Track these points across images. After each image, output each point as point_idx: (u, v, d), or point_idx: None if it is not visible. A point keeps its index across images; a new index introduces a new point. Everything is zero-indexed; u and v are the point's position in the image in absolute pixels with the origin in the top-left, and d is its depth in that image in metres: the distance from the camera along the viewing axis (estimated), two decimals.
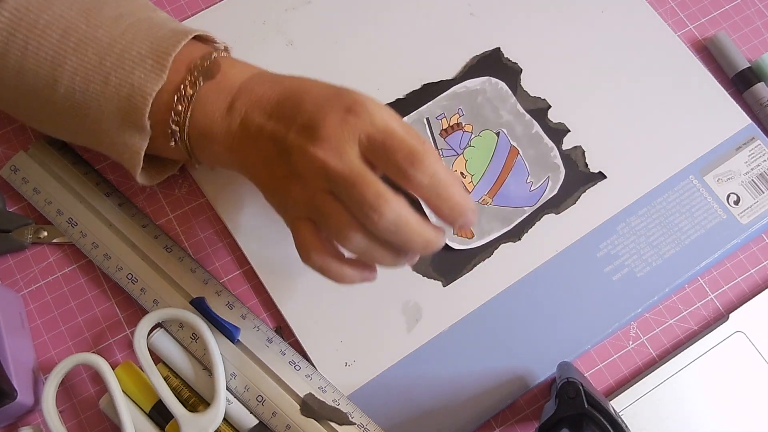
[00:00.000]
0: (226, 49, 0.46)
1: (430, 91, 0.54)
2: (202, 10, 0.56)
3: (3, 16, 0.43)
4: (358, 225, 0.38)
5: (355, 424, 0.45)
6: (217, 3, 0.56)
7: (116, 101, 0.43)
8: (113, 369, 0.45)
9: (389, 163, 0.37)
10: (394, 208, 0.36)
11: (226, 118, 0.42)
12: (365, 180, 0.37)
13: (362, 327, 0.48)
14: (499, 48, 0.55)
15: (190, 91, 0.42)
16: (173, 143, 0.44)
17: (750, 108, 0.55)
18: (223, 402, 0.44)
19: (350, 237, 0.38)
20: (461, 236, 0.50)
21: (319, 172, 0.38)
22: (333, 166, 0.37)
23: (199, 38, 0.45)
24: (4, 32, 0.43)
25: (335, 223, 0.38)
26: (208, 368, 0.46)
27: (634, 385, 0.47)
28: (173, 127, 0.43)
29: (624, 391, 0.47)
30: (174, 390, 0.46)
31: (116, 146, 0.44)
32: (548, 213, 0.51)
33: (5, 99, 0.46)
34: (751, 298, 0.49)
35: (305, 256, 0.40)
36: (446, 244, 0.50)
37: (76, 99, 0.43)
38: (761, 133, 0.53)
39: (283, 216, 0.42)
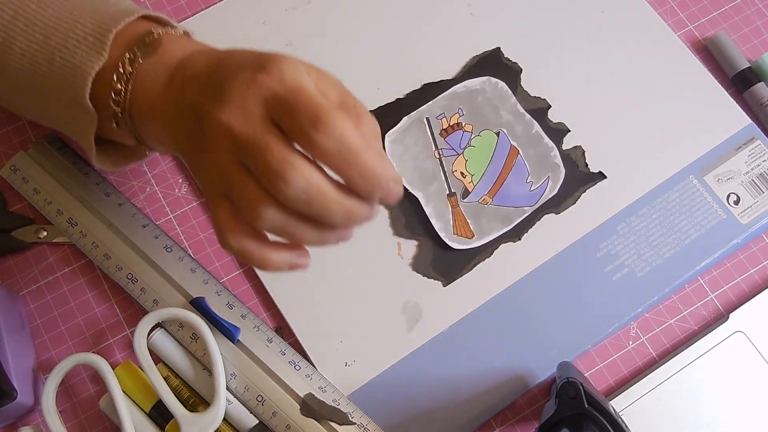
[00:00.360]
0: (186, 35, 0.43)
1: (430, 90, 0.54)
2: (202, 10, 0.56)
3: None
4: (269, 198, 0.33)
5: (355, 424, 0.45)
6: (217, 3, 0.56)
7: (60, 82, 0.41)
8: (113, 369, 0.45)
9: (293, 125, 0.33)
10: (304, 175, 0.32)
11: (164, 96, 0.39)
12: (269, 144, 0.33)
13: (362, 327, 0.48)
14: (499, 48, 0.55)
15: (129, 69, 0.40)
16: (115, 125, 0.41)
17: (750, 108, 0.55)
18: (223, 402, 0.44)
19: (261, 212, 0.33)
20: (461, 236, 0.50)
21: (224, 137, 0.34)
22: (237, 129, 0.33)
23: (156, 21, 0.43)
24: None
25: (245, 197, 0.34)
26: (208, 368, 0.46)
27: (634, 385, 0.47)
28: (114, 107, 0.40)
29: (624, 391, 0.47)
30: (174, 390, 0.46)
31: (70, 127, 0.43)
32: (548, 213, 0.51)
33: None
34: (751, 298, 0.49)
35: (221, 240, 0.35)
36: (446, 244, 0.50)
37: (25, 80, 0.42)
38: (761, 133, 0.53)
39: (205, 194, 0.38)
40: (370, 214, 0.35)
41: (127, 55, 0.40)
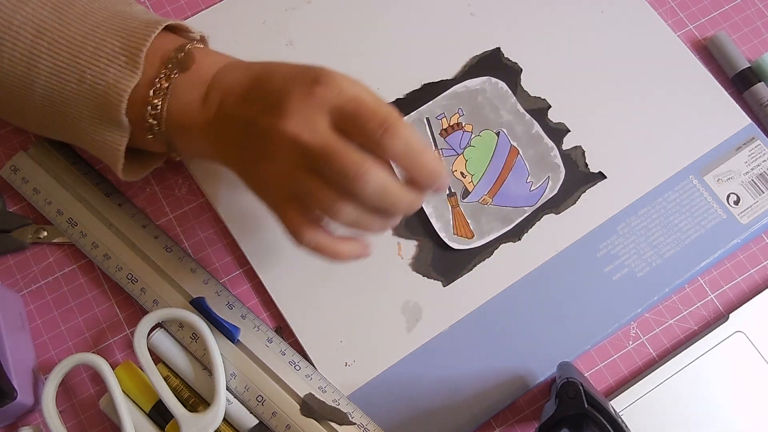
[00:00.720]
0: (202, 39, 0.46)
1: (430, 90, 0.54)
2: (202, 10, 0.56)
3: None
4: (345, 196, 0.37)
5: (355, 424, 0.45)
6: (217, 3, 0.56)
7: (93, 99, 0.42)
8: (113, 369, 0.45)
9: (363, 131, 0.37)
10: (378, 174, 0.36)
11: (202, 109, 0.42)
12: (342, 150, 0.36)
13: (362, 327, 0.48)
14: (499, 48, 0.55)
15: (165, 84, 0.42)
16: (151, 137, 0.43)
17: (750, 108, 0.55)
18: (223, 402, 0.44)
19: (341, 210, 0.37)
20: (461, 236, 0.50)
21: (292, 147, 0.37)
22: (305, 139, 0.37)
23: (174, 29, 0.45)
24: None
25: (323, 199, 0.37)
26: (208, 368, 0.46)
27: (634, 385, 0.47)
28: (151, 120, 0.42)
29: (624, 391, 0.47)
30: (174, 390, 0.46)
31: (97, 143, 0.44)
32: (548, 213, 0.51)
33: None
34: (751, 298, 0.49)
35: (298, 238, 0.39)
36: (446, 244, 0.50)
37: (54, 98, 0.43)
38: (761, 133, 0.53)
39: (266, 201, 0.41)
40: (422, 202, 0.40)
41: (164, 71, 0.42)
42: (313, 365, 0.47)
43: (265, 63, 0.42)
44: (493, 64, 0.55)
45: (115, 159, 0.44)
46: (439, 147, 0.52)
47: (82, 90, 0.42)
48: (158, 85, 0.42)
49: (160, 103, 0.42)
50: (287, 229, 0.40)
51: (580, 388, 0.40)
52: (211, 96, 0.42)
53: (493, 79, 0.54)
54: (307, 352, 0.48)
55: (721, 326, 0.48)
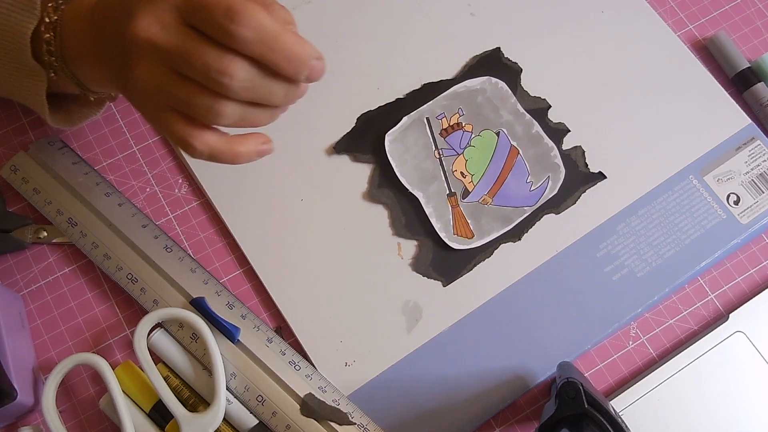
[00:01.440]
0: None
1: (430, 90, 0.54)
2: None
3: None
4: (220, 96, 0.35)
5: (355, 424, 0.45)
6: None
7: (4, 48, 0.42)
8: (113, 369, 0.45)
9: (210, 24, 0.33)
10: (242, 66, 0.34)
11: (89, 34, 0.40)
12: (197, 47, 0.34)
13: (362, 327, 0.48)
14: (499, 48, 0.55)
15: (54, 17, 0.41)
16: (53, 74, 0.42)
17: (750, 108, 0.55)
18: (223, 402, 0.44)
19: (220, 110, 0.35)
20: (461, 236, 0.50)
21: (150, 52, 0.35)
22: (158, 40, 0.34)
23: None
24: None
25: (198, 102, 0.35)
26: (208, 368, 0.46)
27: (634, 385, 0.47)
28: (48, 57, 0.41)
29: (624, 391, 0.47)
30: (174, 390, 0.46)
31: (21, 92, 0.44)
32: (548, 213, 0.51)
33: None
34: (751, 298, 0.49)
35: (188, 149, 0.36)
36: (446, 244, 0.50)
37: None
38: (761, 133, 0.53)
39: (147, 117, 0.38)
40: (302, 90, 0.37)
41: (51, 3, 0.41)
42: (313, 365, 0.47)
43: None
44: (493, 64, 0.55)
45: (38, 104, 0.43)
46: (439, 147, 0.52)
47: None
48: (47, 19, 0.41)
49: (51, 37, 0.41)
50: (176, 142, 0.37)
51: (580, 388, 0.40)
52: (95, 20, 0.39)
53: (493, 79, 0.54)
54: (307, 352, 0.48)
55: (721, 326, 0.48)
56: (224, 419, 0.45)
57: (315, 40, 0.55)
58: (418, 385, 0.47)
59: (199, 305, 0.47)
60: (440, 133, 0.53)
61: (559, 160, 0.52)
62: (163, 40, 0.34)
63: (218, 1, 0.33)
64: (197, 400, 0.46)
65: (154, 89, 0.36)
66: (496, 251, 0.50)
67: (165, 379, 0.46)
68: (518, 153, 0.52)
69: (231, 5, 0.33)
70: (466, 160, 0.52)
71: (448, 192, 0.51)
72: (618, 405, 0.47)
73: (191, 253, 0.50)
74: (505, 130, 0.53)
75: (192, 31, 0.34)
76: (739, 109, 0.54)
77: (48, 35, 0.41)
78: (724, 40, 0.56)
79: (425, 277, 0.49)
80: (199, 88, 0.35)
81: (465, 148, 0.52)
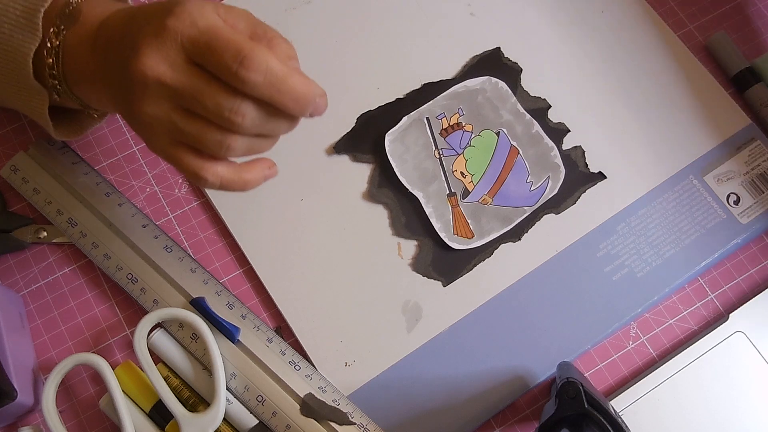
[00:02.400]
0: None
1: (430, 90, 0.54)
2: None
3: None
4: (229, 132, 0.36)
5: (355, 424, 0.45)
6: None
7: (6, 67, 0.42)
8: (113, 369, 0.45)
9: (219, 66, 0.34)
10: (252, 107, 0.35)
11: (93, 61, 0.40)
12: (207, 87, 0.34)
13: (362, 327, 0.48)
14: (499, 48, 0.55)
15: (56, 42, 0.41)
16: (57, 96, 0.42)
17: (750, 108, 0.55)
18: (223, 402, 0.44)
19: (231, 147, 0.36)
20: (461, 236, 0.50)
21: (157, 89, 0.35)
22: (167, 80, 0.35)
23: None
24: None
25: (208, 139, 0.36)
26: (208, 368, 0.46)
27: (634, 385, 0.47)
28: (51, 81, 0.42)
29: (624, 391, 0.47)
30: (174, 390, 0.46)
31: (25, 108, 0.44)
32: (548, 213, 0.51)
33: None
34: (751, 298, 0.49)
35: (200, 181, 0.37)
36: (446, 244, 0.50)
37: None
38: (761, 133, 0.53)
39: (155, 151, 0.39)
40: (322, 101, 0.37)
41: (52, 29, 0.41)
42: (313, 365, 0.47)
43: (140, 6, 0.39)
44: (493, 64, 0.55)
45: (42, 121, 0.44)
46: (439, 147, 0.52)
47: None
48: (49, 44, 0.41)
49: (54, 62, 0.41)
50: (187, 175, 0.38)
51: (580, 388, 0.40)
52: (98, 46, 0.39)
53: (493, 79, 0.54)
54: (307, 352, 0.48)
55: (721, 326, 0.48)
56: (224, 419, 0.45)
57: (315, 40, 0.55)
58: (418, 385, 0.47)
59: (199, 305, 0.47)
60: (440, 133, 0.53)
61: (559, 160, 0.52)
62: (171, 80, 0.35)
63: (226, 45, 0.34)
64: (197, 400, 0.46)
65: (162, 125, 0.36)
66: (496, 251, 0.50)
67: (165, 379, 0.46)
68: (518, 153, 0.52)
69: (240, 50, 0.34)
70: (466, 160, 0.52)
71: (448, 192, 0.51)
72: (618, 405, 0.47)
73: (191, 253, 0.50)
74: (505, 130, 0.53)
75: (200, 71, 0.35)
76: (739, 109, 0.54)
77: (50, 60, 0.41)
78: (724, 40, 0.56)
79: (425, 277, 0.49)
80: (208, 124, 0.36)
81: (465, 148, 0.52)
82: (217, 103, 0.34)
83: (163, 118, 0.36)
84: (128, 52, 0.36)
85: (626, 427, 0.40)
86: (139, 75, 0.35)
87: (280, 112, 0.36)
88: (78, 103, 0.43)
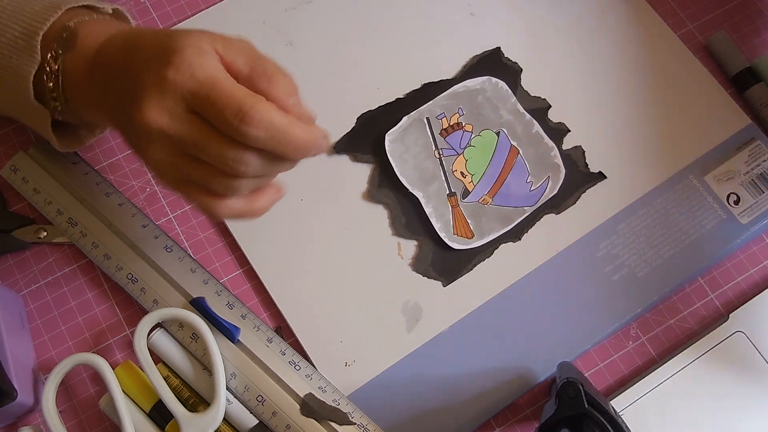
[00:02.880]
0: (116, 13, 0.44)
1: (430, 90, 0.54)
2: (202, 10, 0.56)
3: None
4: (236, 176, 0.36)
5: (355, 424, 0.45)
6: (217, 3, 0.56)
7: (7, 86, 0.42)
8: (113, 369, 0.45)
9: (219, 121, 0.34)
10: (255, 155, 0.35)
11: (91, 88, 0.40)
12: (210, 138, 0.35)
13: (362, 327, 0.48)
14: (499, 48, 0.55)
15: (55, 67, 0.41)
16: (59, 117, 0.43)
17: (750, 108, 0.55)
18: (223, 402, 0.44)
19: (239, 187, 0.37)
20: (461, 236, 0.50)
21: (161, 139, 0.36)
22: (169, 130, 0.35)
23: (88, 9, 0.43)
24: None
25: (217, 182, 0.37)
26: (208, 368, 0.46)
27: (634, 385, 0.47)
28: (53, 103, 0.42)
29: (624, 391, 0.47)
30: (174, 390, 0.46)
31: (28, 123, 0.44)
32: (548, 213, 0.51)
33: None
34: (751, 298, 0.49)
35: (214, 216, 0.38)
36: (446, 244, 0.50)
37: None
38: (761, 133, 0.53)
39: (166, 186, 0.39)
40: (323, 141, 0.38)
41: (50, 53, 0.40)
42: (313, 365, 0.47)
43: (139, 32, 0.39)
44: (493, 64, 0.55)
45: (47, 136, 0.44)
46: (439, 147, 0.52)
47: None
48: (48, 69, 0.41)
49: (54, 86, 0.41)
50: (200, 210, 0.38)
51: (580, 388, 0.40)
52: (95, 75, 0.40)
53: (493, 79, 0.54)
54: (307, 352, 0.48)
55: (721, 326, 0.48)
56: (224, 419, 0.45)
57: (315, 40, 0.55)
58: (418, 385, 0.47)
59: (199, 305, 0.47)
60: (440, 133, 0.53)
61: (559, 160, 0.52)
62: (174, 131, 0.35)
63: (227, 100, 0.34)
64: (197, 400, 0.46)
65: (169, 168, 0.37)
66: (496, 251, 0.50)
67: (165, 379, 0.46)
68: (518, 153, 0.52)
69: (241, 106, 0.34)
70: (466, 160, 0.52)
71: (448, 192, 0.51)
72: (618, 405, 0.47)
73: (191, 253, 0.50)
74: (505, 130, 0.53)
75: (202, 121, 0.35)
76: (739, 109, 0.54)
77: (50, 84, 0.41)
78: (724, 40, 0.56)
79: (425, 277, 0.49)
80: (213, 170, 0.36)
81: (465, 147, 0.52)
82: (219, 153, 0.35)
83: (170, 162, 0.37)
84: (129, 96, 0.36)
85: (626, 427, 0.40)
86: (142, 125, 0.35)
87: (284, 158, 0.37)
88: (80, 123, 0.44)
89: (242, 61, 0.36)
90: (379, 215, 0.51)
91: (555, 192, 0.51)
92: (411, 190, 0.51)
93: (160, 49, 0.36)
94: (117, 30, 0.41)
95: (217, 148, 0.35)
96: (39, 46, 0.40)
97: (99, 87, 0.39)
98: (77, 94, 0.41)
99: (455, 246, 0.50)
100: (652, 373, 0.47)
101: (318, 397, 0.46)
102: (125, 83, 0.37)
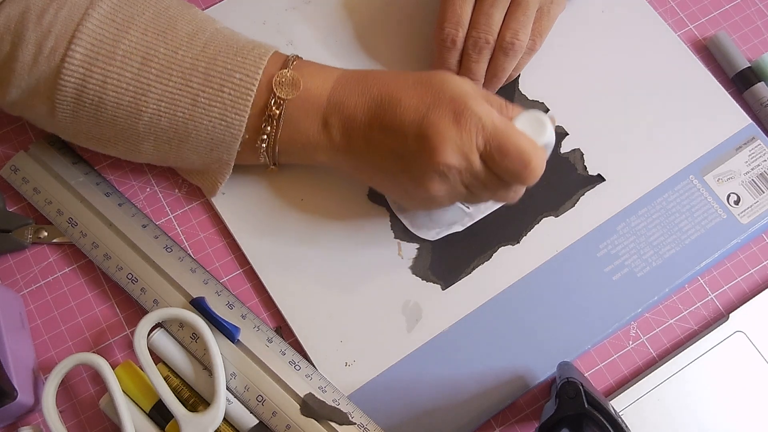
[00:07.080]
0: (296, 58, 0.46)
1: None
2: (202, 10, 0.56)
3: (77, 53, 0.42)
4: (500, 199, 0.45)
5: (355, 424, 0.45)
6: (217, 3, 0.56)
7: (207, 121, 0.43)
8: (113, 369, 0.45)
9: (503, 166, 0.41)
10: (518, 192, 0.45)
11: (324, 133, 0.43)
12: (492, 182, 0.42)
13: (362, 327, 0.48)
14: None
15: (277, 112, 0.43)
16: (262, 159, 0.45)
17: (750, 108, 0.55)
18: (223, 402, 0.44)
19: (509, 197, 0.45)
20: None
21: (451, 174, 0.41)
22: (464, 170, 0.41)
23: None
24: (81, 69, 0.42)
25: (474, 201, 0.46)
26: (208, 368, 0.46)
27: (634, 385, 0.47)
28: (262, 146, 0.44)
29: (624, 391, 0.47)
30: (174, 390, 0.46)
31: (203, 165, 0.46)
32: (547, 216, 0.51)
33: (79, 132, 0.45)
34: (751, 298, 0.49)
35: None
36: (446, 246, 0.50)
37: (161, 125, 0.43)
38: (761, 133, 0.53)
39: (428, 208, 0.49)
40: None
41: (273, 98, 0.43)
42: (313, 365, 0.47)
43: (374, 79, 0.43)
44: None
45: (216, 180, 0.47)
46: None
47: (195, 114, 0.42)
48: (268, 113, 0.43)
49: (272, 129, 0.43)
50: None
51: (580, 388, 0.40)
52: (331, 122, 0.43)
53: None
54: (307, 352, 0.48)
55: (721, 326, 0.48)
56: (224, 419, 0.45)
57: (315, 39, 0.55)
58: (418, 385, 0.47)
59: (199, 305, 0.47)
60: None
61: (558, 163, 0.52)
62: (466, 170, 0.41)
63: (515, 146, 0.40)
64: (197, 400, 0.46)
65: (449, 195, 0.43)
66: (494, 254, 0.50)
67: (165, 379, 0.46)
68: None
69: (525, 152, 0.40)
70: None
71: None
72: (618, 405, 0.47)
73: (191, 253, 0.50)
74: None
75: (485, 165, 0.41)
76: (739, 109, 0.54)
77: (269, 128, 0.43)
78: (724, 40, 0.56)
79: (424, 281, 0.49)
80: (475, 192, 0.43)
81: None
82: (496, 194, 0.43)
83: (450, 192, 0.43)
84: (419, 147, 0.41)
85: (626, 427, 0.40)
86: (440, 167, 0.41)
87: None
88: (269, 163, 0.46)
89: (492, 96, 0.44)
90: (379, 215, 0.51)
91: (554, 194, 0.51)
92: None
93: (434, 101, 0.41)
94: (337, 75, 0.45)
95: (496, 189, 0.43)
96: (255, 92, 0.43)
97: (335, 135, 0.43)
98: (298, 140, 0.44)
99: (457, 230, 0.50)
100: (652, 373, 0.47)
101: (318, 397, 0.46)
102: (392, 131, 0.42)
